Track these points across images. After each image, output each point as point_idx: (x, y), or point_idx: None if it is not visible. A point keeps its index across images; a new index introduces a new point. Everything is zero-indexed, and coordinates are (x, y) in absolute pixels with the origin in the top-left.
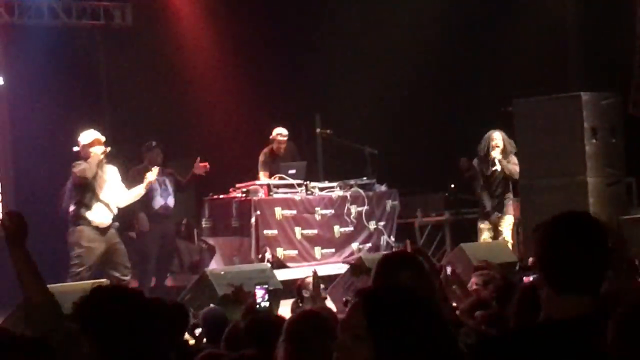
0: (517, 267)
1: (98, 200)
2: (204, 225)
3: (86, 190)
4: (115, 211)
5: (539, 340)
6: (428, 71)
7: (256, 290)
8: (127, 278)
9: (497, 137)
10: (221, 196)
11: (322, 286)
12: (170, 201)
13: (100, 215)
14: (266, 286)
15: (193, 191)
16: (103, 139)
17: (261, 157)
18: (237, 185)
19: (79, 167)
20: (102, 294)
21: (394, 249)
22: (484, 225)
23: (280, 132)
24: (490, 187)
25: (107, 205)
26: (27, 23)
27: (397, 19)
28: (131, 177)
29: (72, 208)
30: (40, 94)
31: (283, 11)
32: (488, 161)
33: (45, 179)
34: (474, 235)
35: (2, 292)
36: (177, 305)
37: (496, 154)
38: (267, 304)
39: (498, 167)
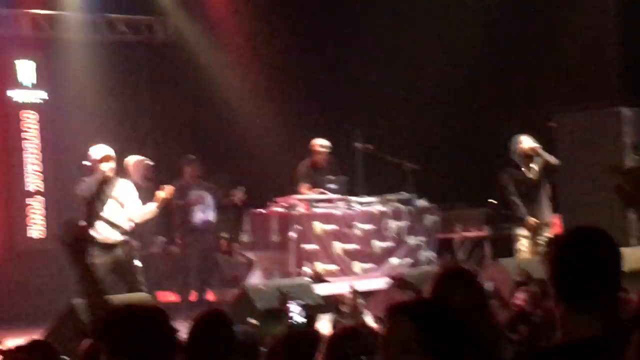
0: None
1: (99, 218)
2: (243, 240)
3: (88, 208)
4: (126, 227)
5: None
6: (468, 86)
7: (290, 306)
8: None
9: (526, 139)
10: (261, 210)
11: (360, 301)
12: (211, 215)
13: (103, 232)
14: (301, 301)
15: (232, 206)
16: (113, 154)
17: (301, 169)
18: (277, 200)
19: (80, 185)
20: (116, 314)
21: (433, 264)
22: (520, 232)
23: (320, 143)
24: (526, 192)
25: (110, 222)
26: (70, 38)
27: (437, 35)
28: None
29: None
30: (83, 109)
31: (323, 26)
32: (522, 165)
33: None
34: (514, 250)
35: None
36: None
37: (536, 148)
38: (303, 319)
39: (533, 174)
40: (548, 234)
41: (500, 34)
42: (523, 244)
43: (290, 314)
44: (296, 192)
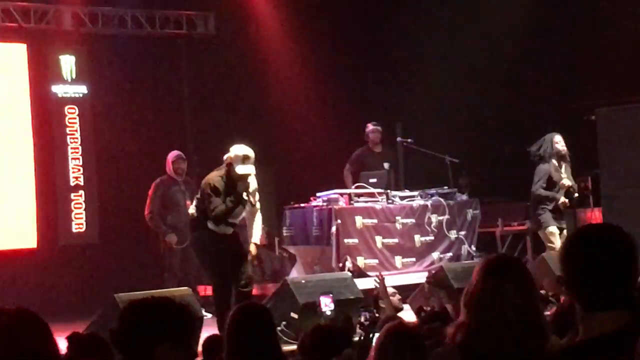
0: None
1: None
2: (284, 234)
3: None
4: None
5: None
6: (510, 80)
7: (321, 299)
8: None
9: (560, 140)
10: (302, 205)
11: (397, 296)
12: None
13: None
14: (331, 294)
15: (274, 200)
16: (252, 155)
17: (353, 155)
18: (318, 194)
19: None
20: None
21: (475, 259)
22: (551, 229)
23: (372, 125)
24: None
25: (231, 222)
26: (111, 32)
27: (478, 29)
28: None
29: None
30: (124, 103)
31: (365, 21)
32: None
33: (128, 187)
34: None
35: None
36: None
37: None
38: (331, 312)
39: (565, 181)
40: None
41: (541, 29)
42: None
43: (323, 308)
44: (338, 187)
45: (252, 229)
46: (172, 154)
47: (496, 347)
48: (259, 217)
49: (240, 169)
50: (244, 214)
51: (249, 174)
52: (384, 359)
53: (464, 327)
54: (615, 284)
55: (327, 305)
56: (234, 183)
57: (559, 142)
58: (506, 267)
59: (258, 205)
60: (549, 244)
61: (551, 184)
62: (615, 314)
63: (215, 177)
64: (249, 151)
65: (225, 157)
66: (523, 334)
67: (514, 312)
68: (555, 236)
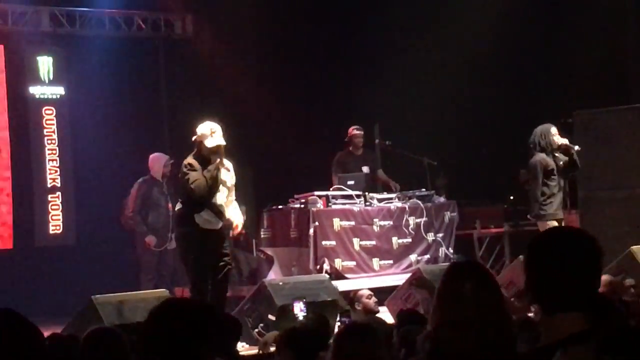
0: None
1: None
2: (262, 236)
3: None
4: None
5: None
6: (487, 83)
7: (294, 304)
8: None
9: (555, 131)
10: (280, 207)
11: (374, 299)
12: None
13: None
14: (304, 299)
15: (252, 202)
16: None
17: (335, 158)
18: (296, 196)
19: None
20: (165, 309)
21: (452, 261)
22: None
23: (355, 127)
24: (554, 184)
25: (217, 210)
26: (89, 34)
27: (456, 31)
28: None
29: None
30: (101, 104)
31: (342, 22)
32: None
33: (106, 189)
34: None
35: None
36: (232, 318)
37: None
38: (304, 318)
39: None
40: None
41: (520, 30)
42: None
43: (295, 312)
44: (315, 189)
45: (232, 213)
46: (164, 157)
47: (461, 347)
48: (236, 205)
49: (209, 142)
50: (224, 199)
51: (220, 145)
52: (340, 351)
53: (430, 336)
54: (577, 287)
55: (301, 310)
56: (207, 159)
57: (556, 134)
58: (464, 269)
59: (234, 195)
60: None
61: (547, 173)
62: (576, 317)
63: (188, 158)
64: (213, 125)
65: (193, 138)
66: (486, 333)
67: (474, 311)
68: None
